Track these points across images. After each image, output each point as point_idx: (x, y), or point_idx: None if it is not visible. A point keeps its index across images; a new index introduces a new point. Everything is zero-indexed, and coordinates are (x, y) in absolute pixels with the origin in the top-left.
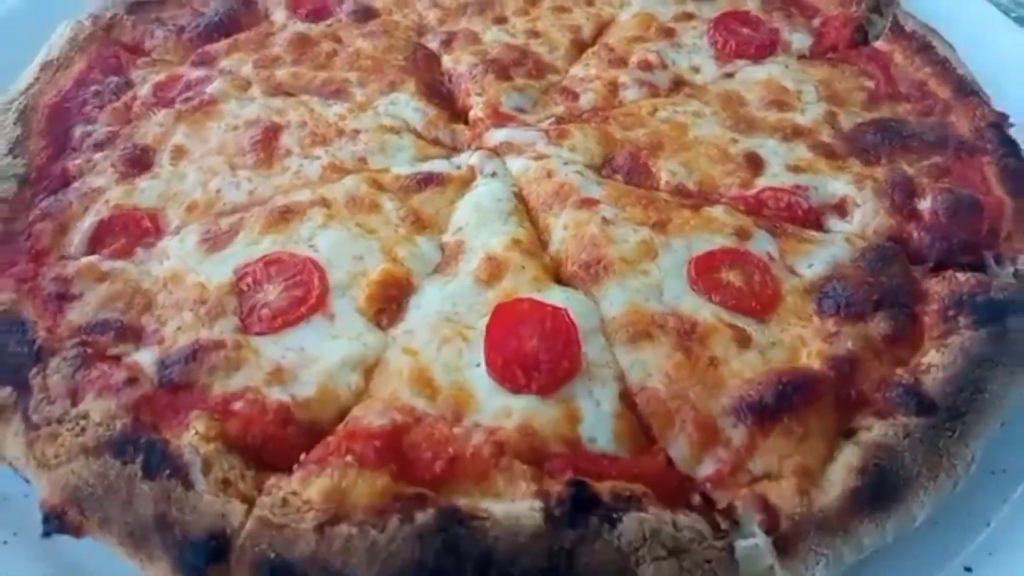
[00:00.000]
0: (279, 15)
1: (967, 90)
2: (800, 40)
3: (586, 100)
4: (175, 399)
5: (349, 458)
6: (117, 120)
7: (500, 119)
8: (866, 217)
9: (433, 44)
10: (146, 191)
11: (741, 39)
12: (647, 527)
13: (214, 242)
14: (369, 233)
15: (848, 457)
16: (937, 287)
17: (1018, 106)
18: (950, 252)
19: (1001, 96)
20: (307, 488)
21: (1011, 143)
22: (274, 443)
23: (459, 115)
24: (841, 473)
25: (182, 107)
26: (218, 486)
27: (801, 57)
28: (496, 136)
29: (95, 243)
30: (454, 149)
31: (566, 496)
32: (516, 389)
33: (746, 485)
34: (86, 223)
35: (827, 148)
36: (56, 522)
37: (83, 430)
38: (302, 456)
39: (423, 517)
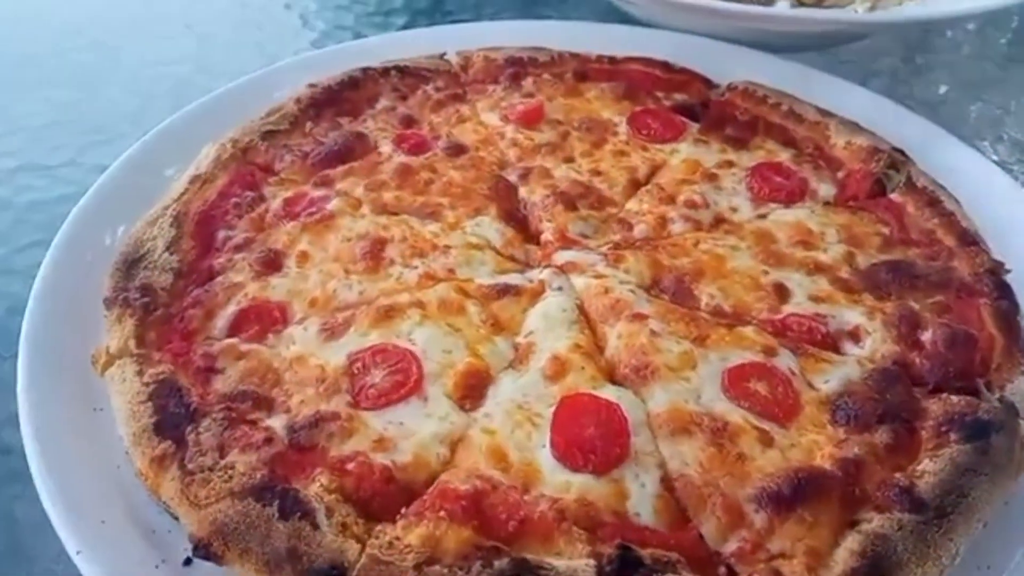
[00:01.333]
0: (386, 147)
1: (969, 240)
2: (826, 189)
3: (639, 231)
4: (302, 457)
5: (442, 513)
6: (253, 228)
7: (566, 243)
8: (876, 344)
9: (512, 177)
10: (276, 287)
11: (774, 186)
12: None
13: (331, 332)
14: (456, 332)
15: (850, 543)
16: (934, 407)
17: (1015, 254)
18: (946, 378)
19: (1001, 245)
20: (408, 535)
21: (1005, 288)
22: (380, 498)
23: (532, 237)
24: (844, 555)
25: (306, 220)
26: (338, 528)
27: (826, 204)
28: (563, 256)
29: (235, 328)
30: (527, 265)
31: (615, 557)
32: (575, 468)
33: (764, 561)
34: (228, 311)
35: (845, 283)
36: (203, 551)
37: (230, 478)
38: (403, 510)
39: (500, 564)
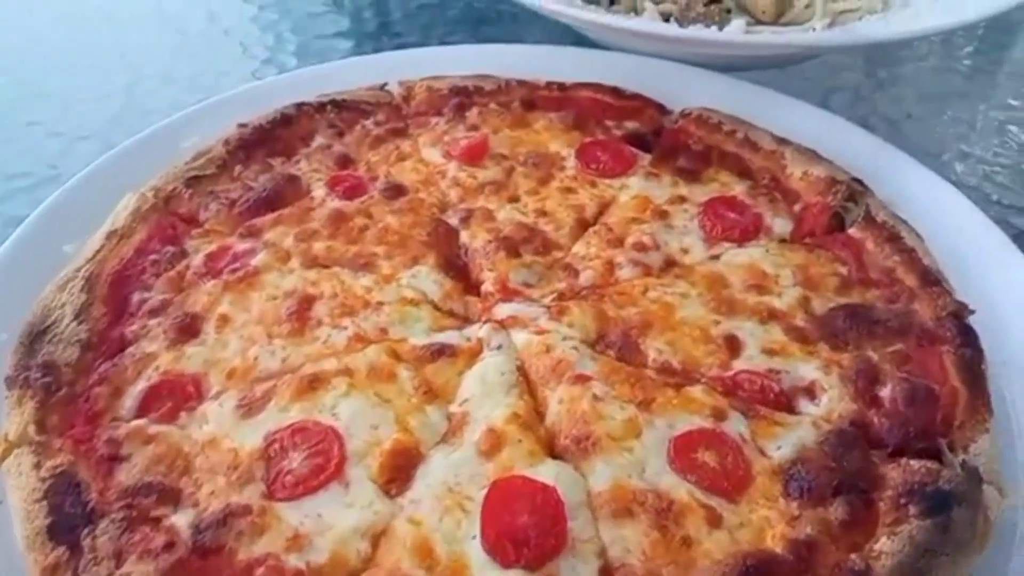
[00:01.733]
0: (319, 191)
1: (931, 280)
2: (781, 225)
3: (585, 278)
4: (205, 563)
5: None
6: (171, 288)
7: (508, 294)
8: (832, 402)
9: (453, 220)
10: (192, 357)
11: (727, 224)
12: None
13: (249, 408)
14: (385, 403)
15: None
16: (893, 473)
17: (977, 286)
18: (907, 438)
19: (964, 277)
20: None
21: (969, 333)
22: None
23: (473, 287)
24: None
25: (229, 278)
26: None
27: (781, 241)
28: (504, 310)
29: (144, 407)
30: (466, 320)
31: None
32: (506, 564)
33: None
34: (138, 387)
35: (800, 332)
36: None
37: None
38: None
39: None
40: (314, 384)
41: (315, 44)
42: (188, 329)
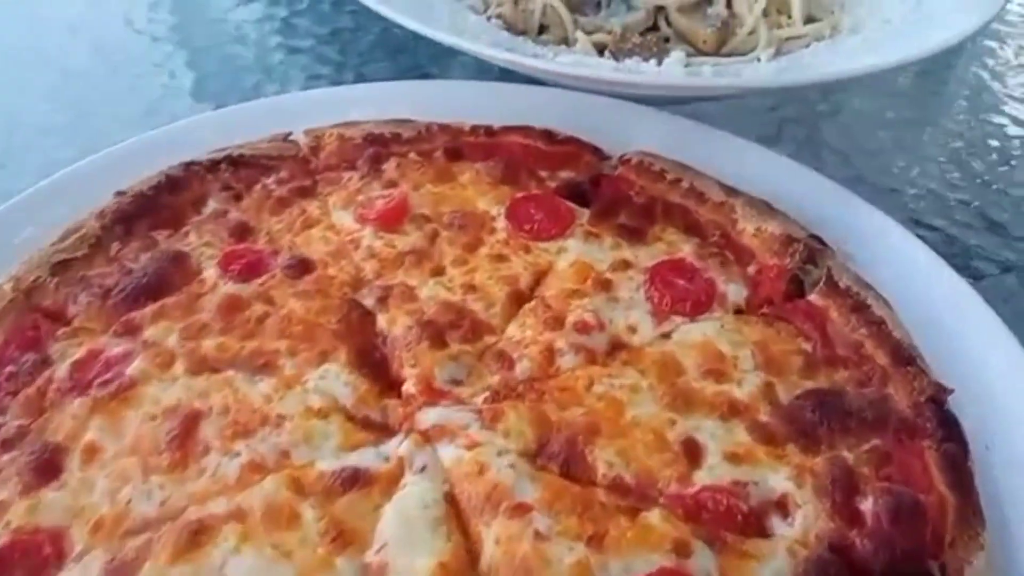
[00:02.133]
0: (210, 271)
1: (904, 357)
2: (735, 292)
3: (521, 369)
4: None
5: None
6: (29, 412)
7: (433, 396)
8: (807, 520)
9: (369, 301)
10: (51, 505)
11: (677, 294)
12: None
13: (117, 575)
14: (284, 556)
15: None
16: None
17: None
18: (894, 562)
19: (934, 341)
20: None
21: (950, 422)
22: None
23: (393, 385)
24: None
25: (99, 393)
26: None
27: (737, 312)
28: (428, 417)
29: None
30: (385, 430)
31: None
32: None
33: None
34: None
35: (764, 430)
36: None
37: None
38: None
39: None
40: (198, 536)
41: (213, 82)
42: (47, 467)
